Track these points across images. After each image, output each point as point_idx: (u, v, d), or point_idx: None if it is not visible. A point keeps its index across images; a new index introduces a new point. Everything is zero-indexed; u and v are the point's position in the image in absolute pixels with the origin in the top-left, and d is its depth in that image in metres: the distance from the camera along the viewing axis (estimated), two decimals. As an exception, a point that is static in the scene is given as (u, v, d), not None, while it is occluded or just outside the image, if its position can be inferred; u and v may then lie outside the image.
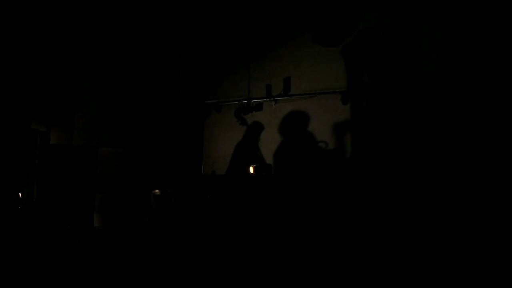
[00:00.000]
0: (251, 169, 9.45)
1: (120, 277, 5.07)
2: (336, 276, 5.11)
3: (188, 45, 9.26)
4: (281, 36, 10.35)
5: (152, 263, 5.62)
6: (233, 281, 5.02)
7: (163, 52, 10.28)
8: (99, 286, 4.87)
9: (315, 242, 6.52)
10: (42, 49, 7.75)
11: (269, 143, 10.33)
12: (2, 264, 5.17)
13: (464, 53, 8.20)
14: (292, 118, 10.13)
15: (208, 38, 9.22)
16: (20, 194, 7.22)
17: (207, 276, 5.17)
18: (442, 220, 6.33)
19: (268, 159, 10.27)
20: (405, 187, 6.64)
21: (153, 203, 7.82)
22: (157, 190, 8.03)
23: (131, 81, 9.97)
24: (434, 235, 5.97)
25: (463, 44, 8.20)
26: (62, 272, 5.12)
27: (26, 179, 7.49)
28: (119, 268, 5.32)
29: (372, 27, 8.14)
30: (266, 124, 10.42)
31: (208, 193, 8.54)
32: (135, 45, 9.94)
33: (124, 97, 9.83)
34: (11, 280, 4.78)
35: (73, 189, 7.19)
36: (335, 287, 4.90)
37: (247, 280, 5.04)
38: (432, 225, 6.18)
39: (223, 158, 10.86)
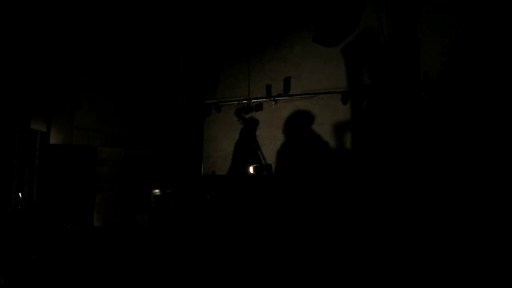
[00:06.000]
0: (251, 169, 9.45)
1: (120, 277, 5.07)
2: (336, 275, 5.11)
3: (188, 45, 9.25)
4: (281, 37, 10.37)
5: (152, 263, 5.62)
6: (233, 281, 5.02)
7: (163, 52, 10.28)
8: (99, 286, 4.87)
9: (315, 241, 6.52)
10: (42, 49, 7.75)
11: (269, 143, 10.33)
12: (3, 264, 5.17)
13: (464, 53, 8.21)
14: (292, 118, 10.14)
15: (208, 39, 9.22)
16: (20, 194, 7.21)
17: (207, 275, 5.17)
18: (442, 218, 6.33)
19: (269, 159, 10.28)
20: (405, 186, 6.64)
21: (153, 203, 7.82)
22: (157, 190, 8.02)
23: (131, 81, 9.97)
24: (434, 233, 5.97)
25: (463, 44, 8.20)
26: (62, 271, 5.12)
27: (26, 179, 7.48)
28: (119, 268, 5.32)
29: (372, 27, 8.14)
30: (266, 124, 10.43)
31: (208, 193, 8.53)
32: (135, 46, 9.94)
33: (124, 97, 9.83)
34: (12, 280, 4.78)
35: (73, 189, 7.19)
36: (335, 287, 4.90)
37: (247, 280, 5.04)
38: (431, 223, 6.19)
39: (223, 158, 10.87)
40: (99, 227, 7.18)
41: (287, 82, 10.04)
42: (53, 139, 8.04)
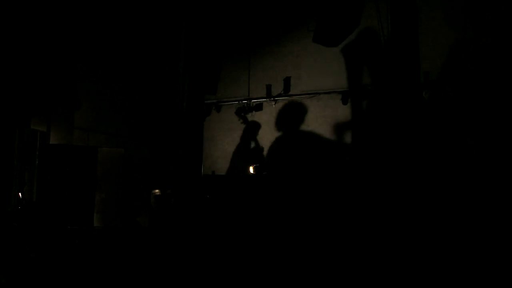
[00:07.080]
0: (251, 169, 9.45)
1: (120, 277, 5.07)
2: (336, 275, 5.11)
3: (188, 45, 9.25)
4: (281, 37, 10.37)
5: (152, 263, 5.62)
6: (233, 281, 5.02)
7: (163, 52, 10.28)
8: (99, 286, 4.87)
9: (315, 241, 6.52)
10: (42, 49, 7.74)
11: (269, 143, 10.34)
12: (3, 264, 5.17)
13: (464, 53, 8.21)
14: (292, 118, 10.14)
15: (209, 39, 9.22)
16: (20, 194, 7.21)
17: (207, 276, 5.17)
18: (441, 217, 6.33)
19: (268, 158, 10.28)
20: (404, 186, 6.64)
21: (153, 203, 7.82)
22: (157, 190, 8.02)
23: (131, 81, 9.97)
24: (433, 233, 5.98)
25: (463, 44, 8.21)
26: (62, 272, 5.12)
27: (26, 179, 7.48)
28: (119, 268, 5.32)
29: (372, 27, 8.14)
30: (266, 124, 10.43)
31: (208, 193, 8.53)
32: (135, 46, 9.94)
33: (124, 97, 9.83)
34: (12, 280, 4.78)
35: (73, 189, 7.18)
36: (335, 287, 4.91)
37: (247, 280, 5.04)
38: (431, 223, 6.19)
39: (223, 158, 10.87)
40: (99, 227, 7.17)
41: (287, 82, 10.04)
42: (53, 139, 8.03)
